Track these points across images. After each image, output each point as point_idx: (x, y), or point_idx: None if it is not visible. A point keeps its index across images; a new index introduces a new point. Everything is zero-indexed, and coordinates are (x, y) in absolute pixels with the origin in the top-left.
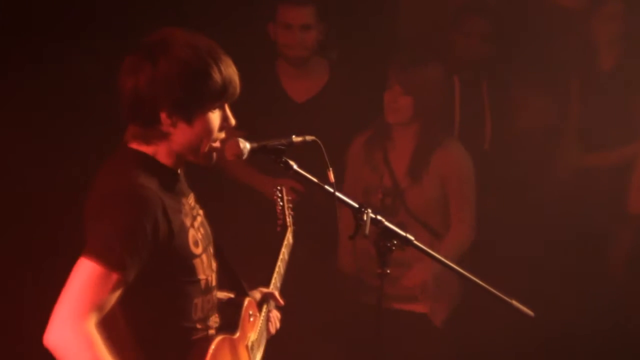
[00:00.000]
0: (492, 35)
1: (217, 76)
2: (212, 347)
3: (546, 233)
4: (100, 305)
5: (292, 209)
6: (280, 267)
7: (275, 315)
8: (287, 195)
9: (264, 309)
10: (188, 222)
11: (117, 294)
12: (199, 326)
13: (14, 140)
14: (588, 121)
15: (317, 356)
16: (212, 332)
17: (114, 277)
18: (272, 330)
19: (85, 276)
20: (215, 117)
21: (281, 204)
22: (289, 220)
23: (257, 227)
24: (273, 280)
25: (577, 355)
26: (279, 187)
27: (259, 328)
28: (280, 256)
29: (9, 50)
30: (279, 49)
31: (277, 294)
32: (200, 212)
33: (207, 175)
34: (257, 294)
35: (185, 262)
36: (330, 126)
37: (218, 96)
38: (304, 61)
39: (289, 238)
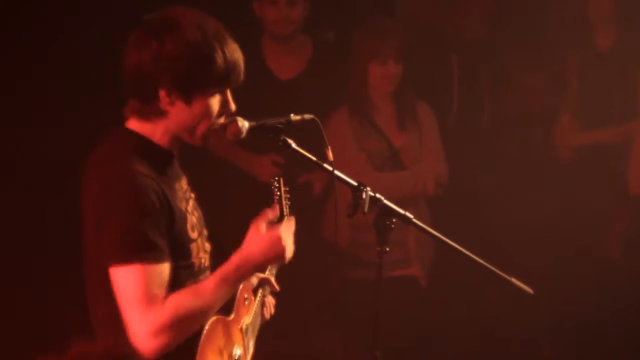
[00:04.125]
0: (490, 15)
1: (220, 61)
2: (206, 327)
3: (544, 211)
4: (161, 285)
5: (289, 199)
6: None
7: (270, 301)
8: (284, 186)
9: (259, 294)
10: (183, 206)
11: (167, 268)
12: None
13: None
14: (586, 99)
15: (314, 337)
16: None
17: (157, 262)
18: (267, 316)
19: (132, 279)
20: (215, 101)
21: (278, 193)
22: (286, 210)
23: (247, 208)
24: (269, 267)
25: (572, 333)
26: (276, 177)
27: (253, 312)
28: None
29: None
30: (265, 25)
31: (273, 279)
32: (192, 195)
33: (194, 155)
34: (253, 279)
35: (183, 246)
36: (314, 103)
37: (220, 81)
38: (289, 37)
39: None
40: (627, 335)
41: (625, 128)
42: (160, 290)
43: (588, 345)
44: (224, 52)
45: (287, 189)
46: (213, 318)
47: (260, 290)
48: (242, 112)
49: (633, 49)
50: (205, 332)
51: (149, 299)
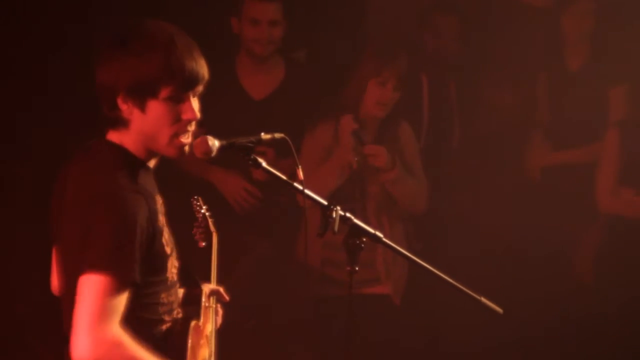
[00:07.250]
0: (460, 34)
1: (165, 64)
2: (191, 328)
3: (515, 231)
4: (119, 309)
5: (211, 216)
6: (214, 269)
7: (219, 311)
8: (204, 204)
9: (212, 302)
10: (160, 221)
11: (125, 298)
12: (166, 318)
13: None
14: (555, 119)
15: (286, 354)
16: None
17: (127, 285)
18: (217, 325)
19: (98, 289)
20: (170, 107)
21: (202, 212)
22: (211, 226)
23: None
24: (212, 278)
25: (543, 352)
26: (195, 197)
27: (212, 320)
28: (213, 257)
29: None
30: (244, 44)
31: (222, 290)
32: (164, 210)
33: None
34: (205, 288)
35: (159, 262)
36: (288, 122)
37: (167, 83)
38: (268, 57)
39: (215, 243)
40: (600, 353)
41: (594, 148)
42: (116, 311)
43: None
44: (170, 56)
45: (207, 206)
46: (194, 322)
47: (211, 299)
48: (215, 130)
49: (602, 69)
50: (190, 337)
51: (104, 313)
